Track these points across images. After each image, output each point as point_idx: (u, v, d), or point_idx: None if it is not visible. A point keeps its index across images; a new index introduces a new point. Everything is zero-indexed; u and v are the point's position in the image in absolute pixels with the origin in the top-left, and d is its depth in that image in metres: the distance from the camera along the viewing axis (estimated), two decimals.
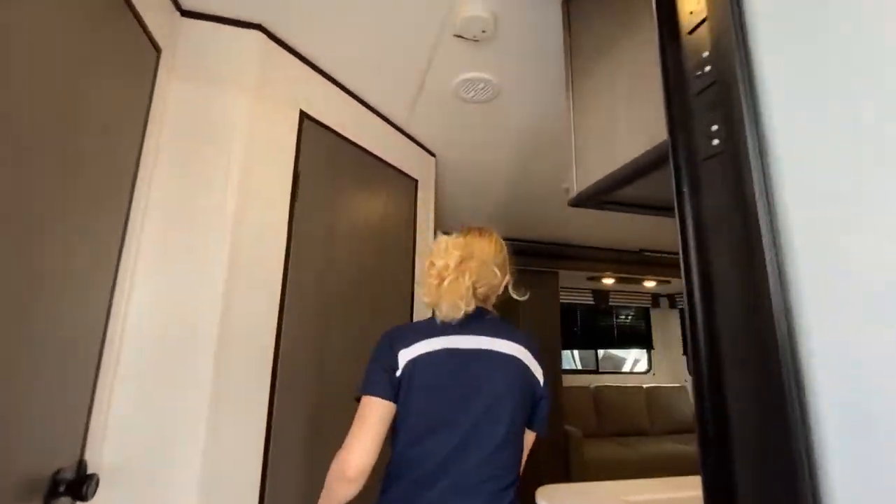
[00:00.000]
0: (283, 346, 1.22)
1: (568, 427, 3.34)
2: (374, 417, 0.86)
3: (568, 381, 3.78)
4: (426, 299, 0.96)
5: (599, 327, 4.62)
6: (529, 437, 0.98)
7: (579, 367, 4.55)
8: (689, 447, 3.67)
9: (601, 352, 4.65)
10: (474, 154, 2.15)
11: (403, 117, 1.83)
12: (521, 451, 0.94)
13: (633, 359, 5.11)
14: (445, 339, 0.92)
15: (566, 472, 3.23)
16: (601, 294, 4.46)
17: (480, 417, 0.87)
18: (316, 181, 1.41)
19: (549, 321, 3.37)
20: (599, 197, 0.98)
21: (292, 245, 1.28)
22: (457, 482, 0.84)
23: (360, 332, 1.52)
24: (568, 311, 4.37)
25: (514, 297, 1.07)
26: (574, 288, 4.27)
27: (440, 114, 1.79)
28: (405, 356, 0.90)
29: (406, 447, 0.87)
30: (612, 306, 4.65)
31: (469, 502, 0.83)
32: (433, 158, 2.12)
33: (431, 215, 2.08)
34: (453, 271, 0.94)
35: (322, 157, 1.45)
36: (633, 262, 3.61)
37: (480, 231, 1.07)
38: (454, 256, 0.95)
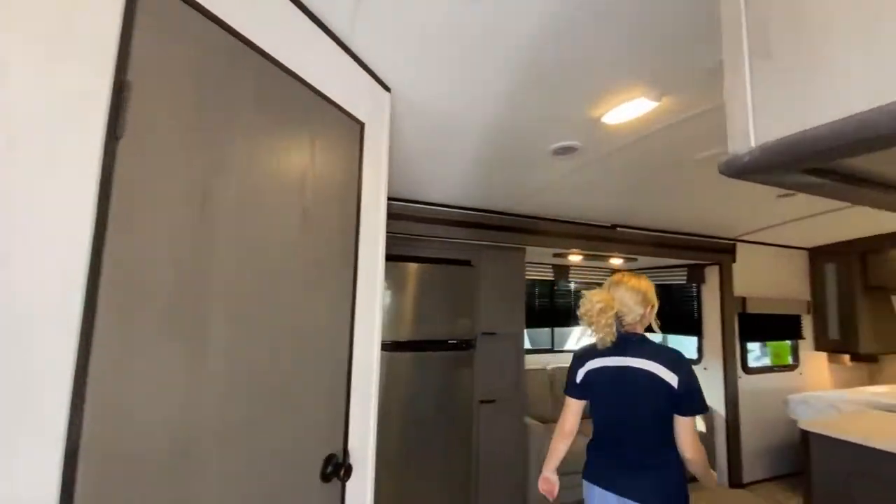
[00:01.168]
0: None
1: (528, 420, 3.02)
2: (570, 408, 1.63)
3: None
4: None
5: (557, 304, 4.33)
6: (680, 421, 1.39)
7: (530, 347, 4.27)
8: None
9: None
10: (444, 93, 1.54)
11: (344, 24, 1.17)
12: (668, 431, 1.41)
13: (577, 336, 4.98)
14: (603, 360, 1.52)
15: (524, 470, 2.93)
16: (561, 269, 4.12)
17: (628, 412, 1.47)
18: (175, 104, 0.76)
19: (513, 300, 2.95)
20: (802, 162, 0.45)
21: (112, 214, 0.64)
22: (621, 454, 1.48)
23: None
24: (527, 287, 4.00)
25: (654, 326, 1.68)
26: (534, 262, 3.88)
27: (398, 22, 1.15)
28: (583, 370, 1.58)
29: (595, 430, 1.60)
30: (571, 281, 4.36)
31: (627, 469, 1.44)
32: (387, 94, 1.49)
33: (383, 173, 1.47)
34: (597, 316, 1.48)
35: (191, 62, 0.79)
36: (602, 238, 3.24)
37: (618, 282, 1.61)
38: (597, 307, 1.50)
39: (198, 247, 0.80)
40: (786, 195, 2.79)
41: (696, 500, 1.58)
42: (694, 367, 4.12)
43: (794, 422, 4.05)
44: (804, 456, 2.02)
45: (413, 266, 2.60)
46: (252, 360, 0.91)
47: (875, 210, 2.59)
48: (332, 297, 1.19)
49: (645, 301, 1.57)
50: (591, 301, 1.50)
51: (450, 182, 2.41)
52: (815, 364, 4.37)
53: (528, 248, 3.06)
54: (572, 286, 4.43)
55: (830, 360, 4.45)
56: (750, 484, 3.77)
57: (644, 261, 3.79)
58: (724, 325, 3.82)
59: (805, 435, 2.06)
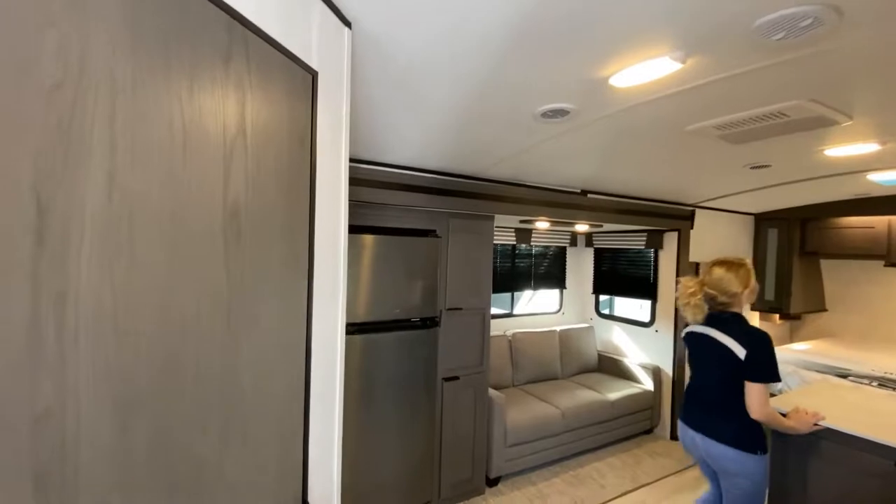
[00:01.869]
0: None
1: (491, 392, 2.93)
2: None
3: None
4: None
5: (518, 267, 4.22)
6: (747, 386, 1.69)
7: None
8: (603, 394, 3.64)
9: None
10: (420, 37, 1.19)
11: None
12: (733, 392, 1.73)
13: (526, 298, 4.96)
14: (694, 327, 1.91)
15: (487, 442, 2.89)
16: (524, 233, 3.97)
17: (703, 372, 1.88)
18: None
19: (481, 272, 2.75)
20: None
21: None
22: (700, 402, 1.87)
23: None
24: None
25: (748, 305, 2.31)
26: (498, 227, 3.69)
27: None
28: (683, 332, 2.02)
29: (689, 380, 2.01)
30: (532, 245, 4.24)
31: (705, 413, 1.84)
32: (346, 30, 1.11)
33: (343, 133, 1.13)
34: (686, 298, 1.87)
35: None
36: (572, 204, 3.07)
37: (712, 268, 1.90)
38: (687, 292, 1.88)
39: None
40: (757, 166, 2.74)
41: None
42: (645, 329, 4.37)
43: None
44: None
45: (370, 238, 2.29)
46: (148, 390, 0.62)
47: (818, 182, 2.56)
48: (277, 314, 0.89)
49: (740, 282, 1.81)
50: (685, 286, 1.89)
51: (416, 142, 2.07)
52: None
53: (497, 216, 2.83)
54: (533, 249, 4.31)
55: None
56: None
57: (607, 226, 3.70)
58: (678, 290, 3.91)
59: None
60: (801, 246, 4.37)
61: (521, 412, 3.13)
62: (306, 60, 0.92)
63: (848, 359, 3.54)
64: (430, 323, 2.47)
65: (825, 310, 4.62)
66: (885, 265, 3.89)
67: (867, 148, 2.18)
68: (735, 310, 1.84)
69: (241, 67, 0.75)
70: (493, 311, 3.85)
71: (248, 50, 0.77)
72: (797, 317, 4.60)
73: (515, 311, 4.29)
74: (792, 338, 4.93)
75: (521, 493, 2.92)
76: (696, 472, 3.33)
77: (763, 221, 4.53)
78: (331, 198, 1.08)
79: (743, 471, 1.72)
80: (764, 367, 1.67)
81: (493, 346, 3.49)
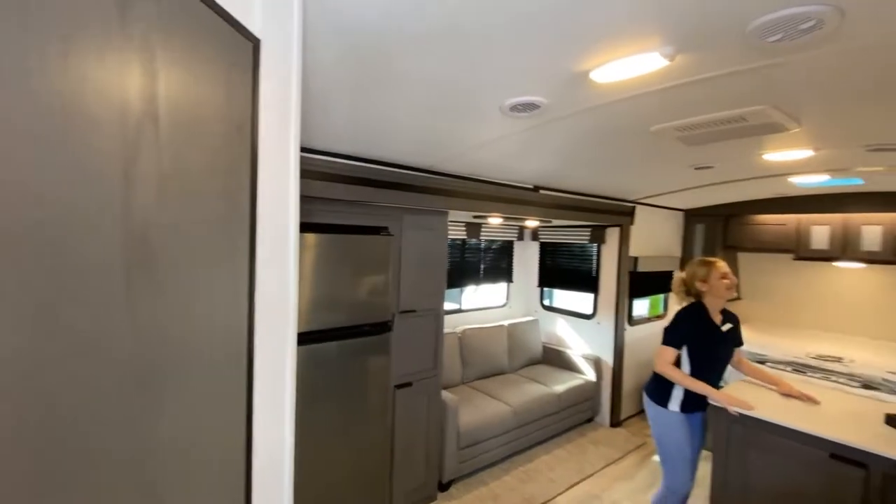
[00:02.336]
0: None
1: (444, 395, 2.82)
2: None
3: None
4: None
5: (467, 262, 4.13)
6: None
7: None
8: (550, 387, 3.68)
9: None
10: (381, 10, 0.99)
11: None
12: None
13: (473, 292, 4.91)
14: None
15: (441, 446, 2.78)
16: (475, 227, 3.87)
17: None
18: None
19: (435, 271, 2.60)
20: None
21: None
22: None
23: None
24: None
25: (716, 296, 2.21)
26: (450, 222, 3.54)
27: None
28: None
29: None
30: (481, 239, 4.16)
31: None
32: None
33: (293, 116, 0.90)
34: (675, 287, 2.35)
35: None
36: (525, 201, 3.01)
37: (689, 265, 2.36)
38: (677, 282, 2.32)
39: None
40: (702, 167, 2.84)
41: None
42: (587, 321, 4.50)
43: None
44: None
45: (313, 238, 2.04)
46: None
47: (748, 182, 2.71)
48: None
49: (696, 280, 2.21)
50: (676, 277, 2.35)
51: (369, 131, 1.85)
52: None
53: (450, 211, 2.69)
54: (482, 243, 4.24)
55: None
56: (625, 420, 4.27)
57: (555, 220, 3.71)
58: (618, 283, 4.05)
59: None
60: (723, 240, 4.71)
61: (474, 412, 3.06)
62: (246, 24, 0.69)
63: (762, 344, 3.88)
64: (381, 329, 2.29)
65: (740, 298, 5.06)
66: (794, 259, 4.31)
67: (802, 154, 2.31)
68: (699, 298, 2.22)
69: (147, 24, 0.52)
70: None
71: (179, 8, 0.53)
72: None
73: (464, 307, 4.21)
74: None
75: (473, 495, 2.86)
76: (633, 460, 3.49)
77: (692, 217, 4.83)
78: (278, 200, 0.86)
79: (651, 416, 2.25)
80: (666, 332, 2.18)
81: (446, 345, 3.38)
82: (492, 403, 3.25)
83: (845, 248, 4.01)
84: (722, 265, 2.23)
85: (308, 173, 2.01)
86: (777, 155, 2.36)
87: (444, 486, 2.86)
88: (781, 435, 1.86)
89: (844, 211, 3.85)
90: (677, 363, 2.13)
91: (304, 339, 2.02)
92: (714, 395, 2.06)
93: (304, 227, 2.05)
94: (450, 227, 3.60)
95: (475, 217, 3.32)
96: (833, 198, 3.80)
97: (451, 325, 3.87)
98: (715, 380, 2.15)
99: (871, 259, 3.89)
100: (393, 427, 2.45)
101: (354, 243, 2.17)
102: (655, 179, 3.28)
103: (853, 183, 3.36)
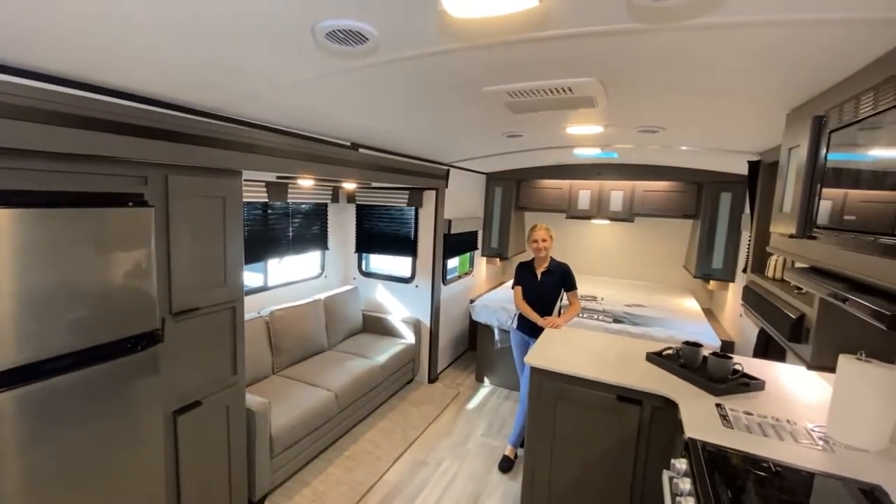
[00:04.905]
0: None
1: (250, 402, 2.29)
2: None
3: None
4: None
5: (272, 230, 3.45)
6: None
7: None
8: (373, 359, 3.48)
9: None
10: None
11: None
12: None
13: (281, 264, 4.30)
14: None
15: (250, 462, 2.28)
16: (279, 188, 3.22)
17: None
18: None
19: (226, 253, 1.97)
20: None
21: None
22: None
23: None
24: None
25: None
26: (245, 180, 2.82)
27: None
28: None
29: None
30: (290, 203, 3.53)
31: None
32: None
33: None
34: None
35: None
36: (341, 160, 2.58)
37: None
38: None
39: None
40: (513, 135, 2.93)
41: None
42: (406, 285, 4.45)
43: (467, 315, 5.07)
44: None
45: (5, 215, 1.21)
46: None
47: (543, 151, 2.99)
48: None
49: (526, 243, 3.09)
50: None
51: (105, 39, 1.12)
52: (480, 267, 5.47)
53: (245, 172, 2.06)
54: (290, 207, 3.61)
55: (488, 262, 5.66)
56: (441, 373, 4.49)
57: (375, 183, 3.40)
58: (435, 246, 4.07)
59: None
60: (517, 202, 5.28)
61: (290, 409, 2.62)
62: None
63: None
64: (143, 342, 1.60)
65: (524, 251, 5.85)
66: (566, 217, 5.15)
67: (594, 130, 2.57)
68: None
69: None
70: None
71: None
72: (507, 258, 5.60)
73: (270, 283, 3.57)
74: (503, 276, 6.11)
75: (293, 501, 2.49)
76: (451, 413, 3.69)
77: (492, 181, 5.21)
78: None
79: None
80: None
81: (247, 332, 2.76)
82: (310, 392, 2.87)
83: (600, 208, 4.98)
84: (535, 233, 2.97)
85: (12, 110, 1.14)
86: (576, 129, 2.58)
87: None
88: (582, 385, 2.11)
89: (600, 178, 4.72)
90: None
91: (13, 378, 1.23)
92: (533, 318, 2.90)
93: None
94: (246, 188, 2.88)
95: (280, 178, 2.71)
96: (594, 167, 4.58)
97: (256, 306, 3.23)
98: (539, 309, 2.94)
99: (614, 217, 4.93)
100: (178, 460, 1.84)
101: (85, 221, 1.39)
102: (472, 144, 3.28)
103: (611, 156, 4.10)
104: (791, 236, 1.43)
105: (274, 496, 2.52)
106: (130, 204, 1.55)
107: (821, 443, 1.52)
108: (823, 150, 1.29)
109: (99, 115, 1.38)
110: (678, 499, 1.28)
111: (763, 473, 1.32)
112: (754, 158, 2.81)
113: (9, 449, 1.26)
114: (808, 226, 1.32)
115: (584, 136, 2.88)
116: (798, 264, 1.67)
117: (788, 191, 1.57)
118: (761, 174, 2.71)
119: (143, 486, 1.66)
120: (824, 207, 1.26)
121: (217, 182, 1.88)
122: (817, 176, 1.31)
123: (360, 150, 2.70)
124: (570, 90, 1.68)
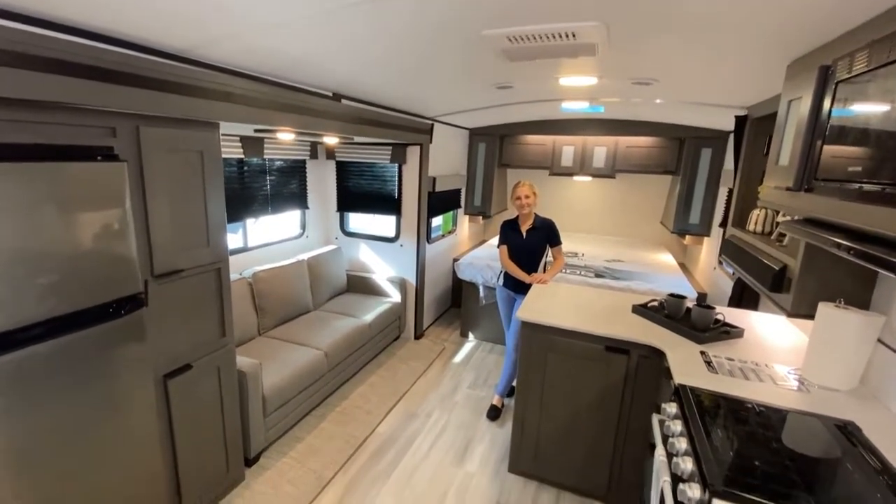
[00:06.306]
0: None
1: (239, 362, 2.26)
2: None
3: None
4: None
5: (249, 188, 3.28)
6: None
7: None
8: (360, 317, 3.48)
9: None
10: None
11: None
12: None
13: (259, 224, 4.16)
14: None
15: (244, 425, 2.28)
16: (255, 143, 3.03)
17: None
18: None
19: (208, 205, 1.85)
20: None
21: None
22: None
23: None
24: None
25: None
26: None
27: None
28: None
29: None
30: (266, 159, 3.34)
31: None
32: None
33: None
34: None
35: None
36: (322, 112, 2.43)
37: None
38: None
39: None
40: (503, 86, 2.81)
41: None
42: (391, 244, 4.39)
43: (451, 273, 5.09)
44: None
45: None
46: None
47: (529, 104, 2.92)
48: None
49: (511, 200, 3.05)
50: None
51: None
52: (463, 225, 5.44)
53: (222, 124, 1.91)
54: (267, 163, 3.43)
55: (471, 221, 5.63)
56: (426, 329, 4.56)
57: (357, 138, 3.25)
58: (419, 204, 3.99)
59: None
60: (499, 159, 5.18)
61: (280, 369, 2.61)
62: None
63: None
64: (126, 307, 1.52)
65: (506, 209, 5.83)
66: (550, 174, 5.10)
67: (587, 81, 2.49)
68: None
69: None
70: None
71: None
72: (489, 216, 5.58)
73: (251, 244, 3.44)
74: (486, 234, 6.12)
75: (289, 458, 2.54)
76: (438, 367, 3.78)
77: (475, 136, 5.07)
78: None
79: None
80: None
81: (234, 297, 2.69)
82: (300, 352, 2.86)
83: (583, 164, 4.94)
84: (519, 190, 2.95)
85: None
86: (570, 80, 2.49)
87: (252, 461, 2.43)
88: (571, 337, 2.17)
89: (584, 134, 4.65)
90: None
91: None
92: (521, 276, 2.93)
93: None
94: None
95: (257, 131, 2.54)
96: (578, 123, 4.50)
97: (238, 267, 3.13)
98: (525, 266, 2.97)
99: (597, 174, 4.92)
100: (171, 424, 1.81)
101: (48, 177, 1.26)
102: (459, 95, 3.14)
103: (597, 111, 4.02)
104: (788, 189, 1.45)
105: (269, 452, 2.56)
106: (99, 158, 1.41)
107: (797, 384, 1.63)
108: (828, 103, 1.28)
109: (55, 56, 1.22)
110: (670, 440, 1.35)
111: (747, 413, 1.40)
112: (741, 113, 2.81)
113: None
114: (808, 178, 1.33)
115: (576, 89, 2.80)
116: (785, 217, 1.70)
117: (786, 144, 1.57)
118: (748, 128, 2.73)
119: (138, 451, 1.64)
120: (827, 159, 1.27)
121: (193, 135, 1.74)
122: (819, 129, 1.31)
123: (343, 100, 2.54)
124: (574, 35, 1.59)
